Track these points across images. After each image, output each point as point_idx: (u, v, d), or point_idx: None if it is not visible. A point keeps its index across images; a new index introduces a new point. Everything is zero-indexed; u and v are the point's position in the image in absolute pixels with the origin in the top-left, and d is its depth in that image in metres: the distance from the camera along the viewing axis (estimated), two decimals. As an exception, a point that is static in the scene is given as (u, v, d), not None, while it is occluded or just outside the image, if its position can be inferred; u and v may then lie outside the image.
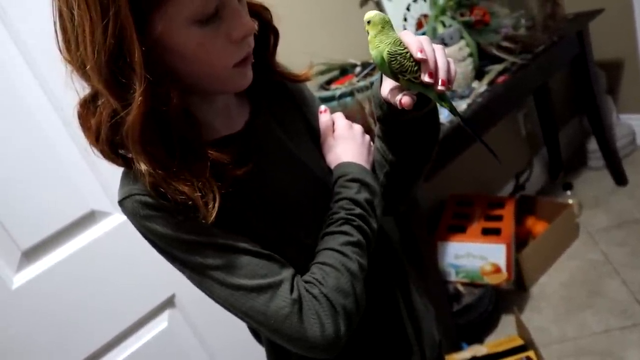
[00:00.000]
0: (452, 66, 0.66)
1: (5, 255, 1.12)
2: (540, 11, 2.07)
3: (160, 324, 1.35)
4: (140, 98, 0.56)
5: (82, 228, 1.22)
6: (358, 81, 1.66)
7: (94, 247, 1.22)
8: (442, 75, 0.65)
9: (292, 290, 0.64)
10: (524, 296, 2.20)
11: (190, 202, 0.60)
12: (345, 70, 1.83)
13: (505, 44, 1.97)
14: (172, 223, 0.62)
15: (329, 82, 1.80)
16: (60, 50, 0.60)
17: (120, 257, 1.26)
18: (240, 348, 1.47)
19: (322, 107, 0.84)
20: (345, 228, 0.70)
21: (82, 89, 0.62)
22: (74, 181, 1.19)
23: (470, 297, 2.01)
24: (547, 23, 2.10)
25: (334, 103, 1.61)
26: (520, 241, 2.27)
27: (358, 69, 1.78)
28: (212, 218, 0.60)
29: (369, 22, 0.68)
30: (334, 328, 0.64)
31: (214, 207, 0.60)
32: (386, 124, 0.79)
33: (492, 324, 2.11)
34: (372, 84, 1.62)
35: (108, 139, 0.61)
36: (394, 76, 0.68)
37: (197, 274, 0.65)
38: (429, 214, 2.24)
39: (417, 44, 0.65)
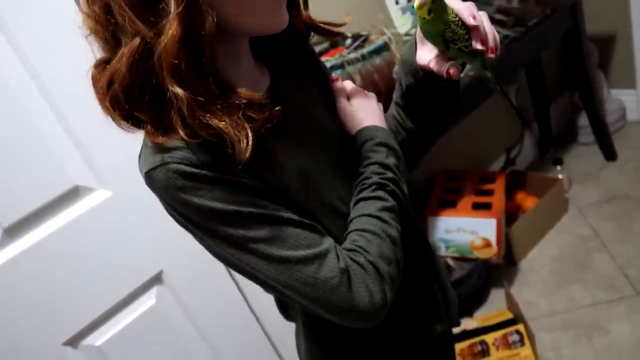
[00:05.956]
0: (496, 33, 0.66)
1: (-14, 232, 1.09)
2: (534, -17, 2.03)
3: (148, 300, 1.33)
4: (175, 21, 0.53)
5: (66, 204, 1.18)
6: (349, 53, 1.62)
7: (78, 223, 1.19)
8: (491, 42, 0.65)
9: (338, 260, 0.62)
10: (513, 270, 2.22)
11: (224, 137, 0.56)
12: (335, 43, 1.78)
13: (498, 16, 1.93)
14: (212, 194, 0.58)
15: (319, 54, 1.76)
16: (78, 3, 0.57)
17: (106, 234, 1.23)
18: (228, 324, 1.47)
19: (334, 75, 0.82)
20: (380, 193, 0.69)
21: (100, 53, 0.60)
22: (56, 156, 1.15)
23: (460, 271, 2.02)
24: (540, -5, 2.07)
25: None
26: (509, 216, 2.28)
27: (349, 41, 1.74)
28: (247, 156, 0.56)
29: (429, 13, 0.62)
30: (381, 295, 0.62)
31: (247, 144, 0.56)
32: (415, 92, 0.78)
33: (481, 298, 2.12)
34: (363, 56, 1.60)
35: (125, 88, 0.56)
36: (444, 45, 0.65)
37: (239, 249, 0.61)
38: (419, 188, 2.23)
39: (469, 11, 0.63)
